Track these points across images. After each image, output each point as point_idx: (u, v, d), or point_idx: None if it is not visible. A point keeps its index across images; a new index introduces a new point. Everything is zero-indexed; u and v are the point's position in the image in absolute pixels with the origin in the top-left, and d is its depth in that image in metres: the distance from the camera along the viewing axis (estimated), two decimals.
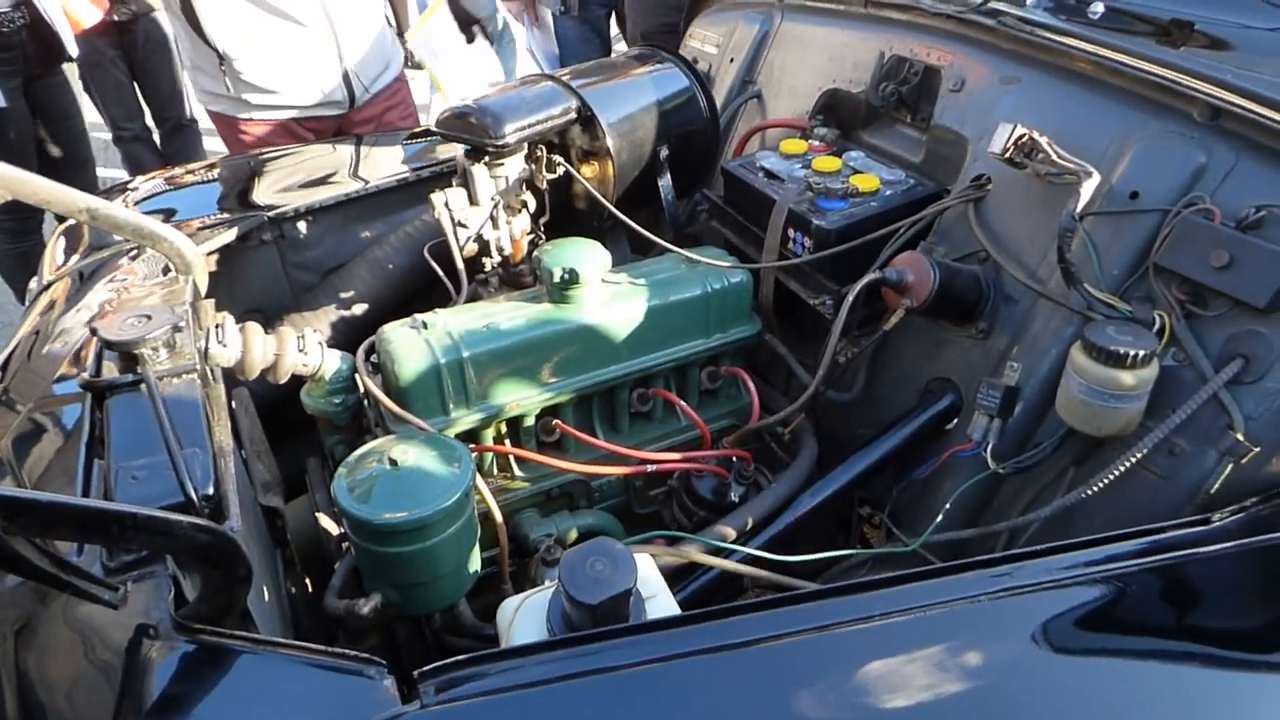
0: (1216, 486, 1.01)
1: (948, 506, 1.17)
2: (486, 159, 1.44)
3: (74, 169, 3.04)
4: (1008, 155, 1.19)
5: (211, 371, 1.11)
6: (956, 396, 1.28)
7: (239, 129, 2.27)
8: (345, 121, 2.36)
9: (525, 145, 1.47)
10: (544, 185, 1.50)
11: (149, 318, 0.97)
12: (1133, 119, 1.18)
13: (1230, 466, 1.00)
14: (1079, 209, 1.10)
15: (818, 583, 1.14)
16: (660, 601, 0.87)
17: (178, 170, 1.98)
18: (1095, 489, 1.03)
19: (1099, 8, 1.39)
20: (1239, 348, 1.01)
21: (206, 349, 1.10)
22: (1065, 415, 1.08)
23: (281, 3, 2.06)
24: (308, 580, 1.30)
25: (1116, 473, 1.02)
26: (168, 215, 1.72)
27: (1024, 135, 1.18)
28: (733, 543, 1.17)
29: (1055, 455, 1.15)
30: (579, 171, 1.49)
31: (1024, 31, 1.33)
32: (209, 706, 0.66)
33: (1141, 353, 1.00)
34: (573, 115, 1.47)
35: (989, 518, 1.23)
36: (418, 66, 2.81)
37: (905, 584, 0.77)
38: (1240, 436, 0.98)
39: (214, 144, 3.93)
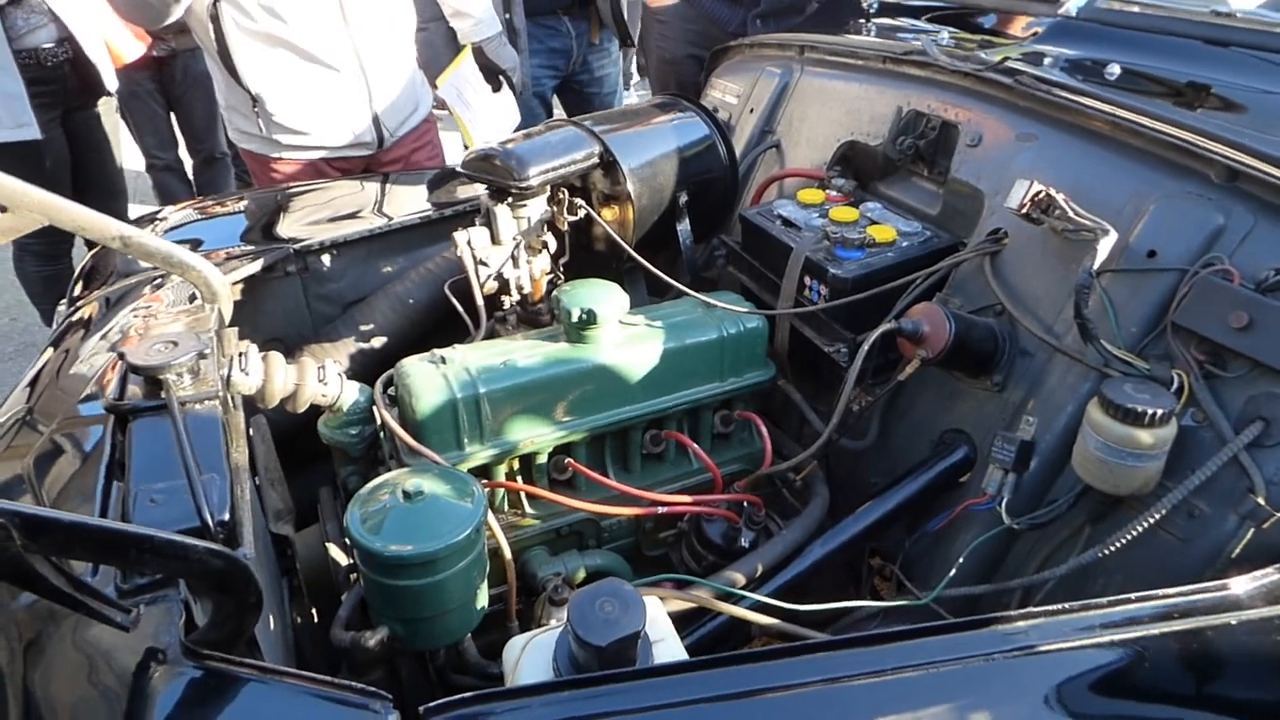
0: (1237, 551, 0.99)
1: (960, 561, 1.16)
2: (510, 200, 1.47)
3: (106, 199, 3.12)
4: (1025, 211, 1.21)
5: (232, 399, 1.12)
6: (971, 449, 1.27)
7: (270, 167, 2.31)
8: (374, 162, 2.42)
9: (548, 188, 1.50)
10: (565, 227, 1.53)
11: (175, 344, 0.99)
12: (1150, 178, 1.19)
13: (1251, 531, 0.98)
14: (1096, 266, 1.11)
15: (827, 634, 1.12)
16: (668, 646, 0.86)
17: (207, 201, 2.03)
18: (1112, 549, 1.01)
19: (1115, 69, 1.41)
20: (1259, 410, 1.01)
21: (229, 376, 1.11)
22: (1082, 472, 1.08)
23: (315, 48, 2.12)
24: (314, 610, 1.29)
25: (1134, 533, 1.00)
26: (195, 245, 1.76)
27: (1041, 191, 1.19)
28: (742, 589, 1.16)
29: (1071, 513, 1.13)
30: (600, 214, 1.52)
31: (1041, 90, 1.35)
32: None
33: (1160, 411, 0.99)
34: (595, 160, 1.50)
35: (1003, 574, 1.21)
36: (444, 106, 2.89)
37: (917, 638, 0.76)
38: (1261, 500, 0.97)
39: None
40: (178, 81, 3.57)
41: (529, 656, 0.83)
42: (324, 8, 2.10)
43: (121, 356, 0.99)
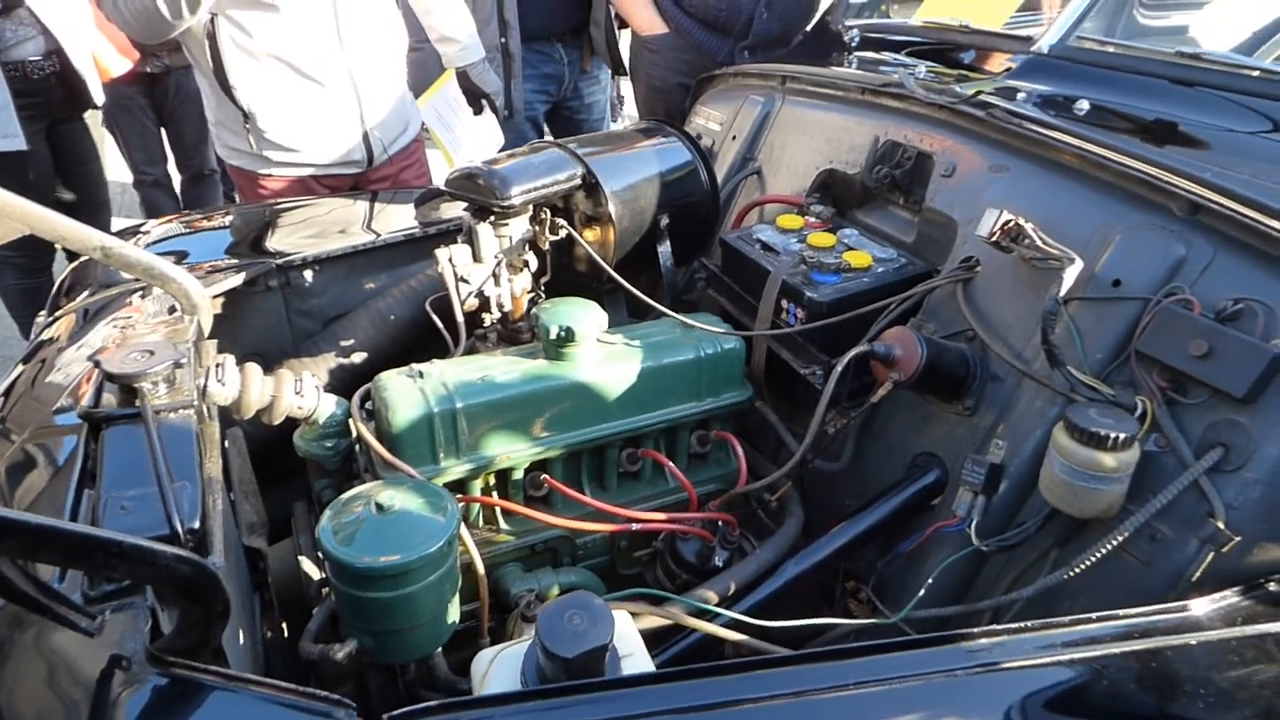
0: (1198, 574, 1.01)
1: (930, 581, 1.17)
2: (492, 218, 1.49)
3: (90, 212, 3.11)
4: (995, 239, 1.24)
5: (208, 409, 1.12)
6: (942, 472, 1.29)
7: (258, 184, 2.32)
8: (362, 180, 2.43)
9: (530, 207, 1.52)
10: (546, 246, 1.55)
11: (151, 353, 1.00)
12: (1116, 210, 1.22)
13: (1211, 554, 1.00)
14: (1062, 293, 1.14)
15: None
16: (637, 660, 0.86)
17: (192, 215, 2.03)
18: (1077, 570, 1.03)
19: (1084, 105, 1.46)
20: (1219, 436, 1.03)
21: (205, 387, 1.12)
22: (1048, 495, 1.09)
23: (308, 65, 2.14)
24: (284, 624, 1.28)
25: (1098, 555, 1.02)
26: (179, 258, 1.76)
27: (1010, 221, 1.22)
28: (715, 607, 1.16)
29: (1039, 535, 1.15)
30: (581, 235, 1.54)
31: (1013, 124, 1.39)
32: None
33: (1123, 435, 1.01)
34: (578, 181, 1.52)
35: (973, 595, 1.22)
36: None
37: (883, 654, 0.77)
38: (1221, 524, 0.99)
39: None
40: (170, 98, 3.58)
41: (497, 668, 0.84)
42: (321, 27, 2.13)
43: (97, 365, 0.99)
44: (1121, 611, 0.86)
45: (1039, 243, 1.19)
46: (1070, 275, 1.14)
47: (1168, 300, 1.09)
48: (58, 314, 1.56)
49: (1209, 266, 1.11)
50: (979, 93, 1.51)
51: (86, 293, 1.58)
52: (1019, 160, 1.38)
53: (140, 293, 1.52)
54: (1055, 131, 1.33)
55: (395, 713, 0.66)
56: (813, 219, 1.63)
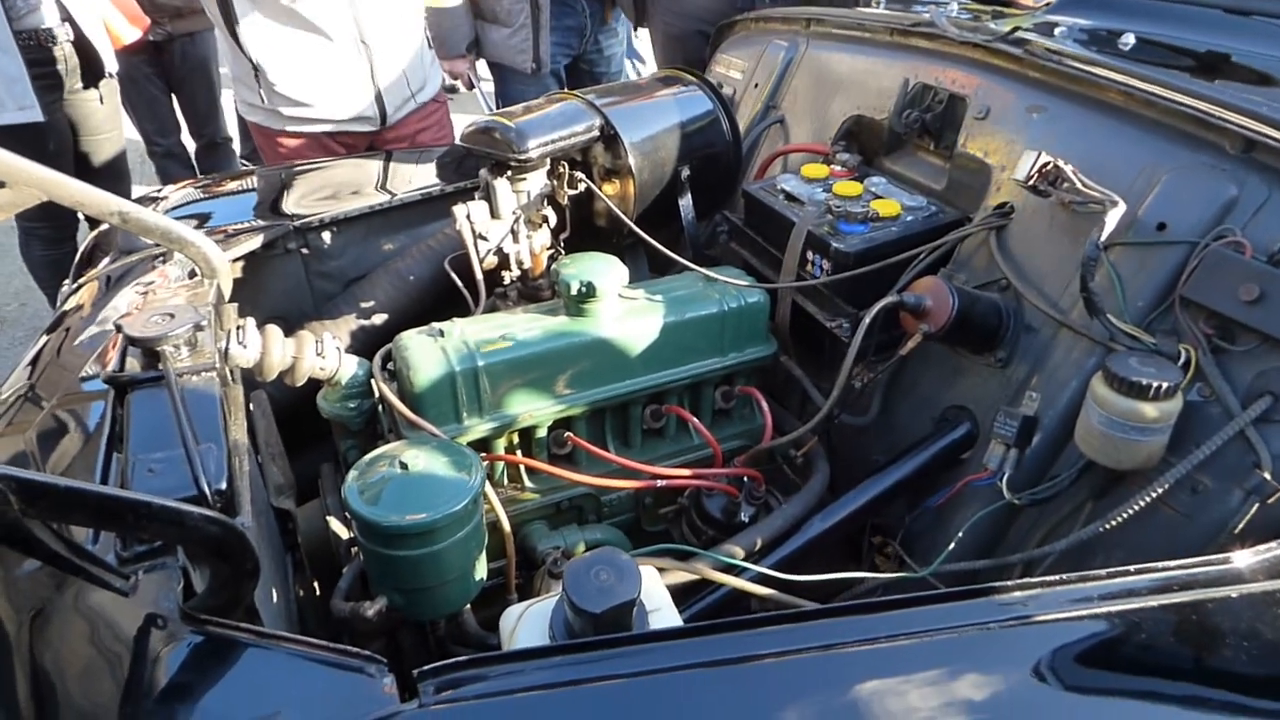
0: (1241, 526, 0.98)
1: (960, 535, 1.15)
2: (509, 173, 1.46)
3: (110, 181, 3.11)
4: (1032, 183, 1.19)
5: (231, 372, 1.12)
6: (973, 425, 1.27)
7: (275, 141, 2.33)
8: (378, 139, 2.41)
9: (548, 161, 1.49)
10: (565, 201, 1.52)
11: (172, 316, 0.99)
12: (1162, 150, 1.16)
13: (1256, 506, 0.97)
14: (1104, 238, 1.09)
15: None
16: (664, 615, 0.86)
17: (207, 180, 2.03)
18: (1113, 524, 1.01)
19: (1130, 39, 1.39)
20: (1268, 384, 0.99)
21: (227, 349, 1.12)
22: (1085, 447, 1.07)
23: (314, 16, 2.12)
24: (316, 583, 1.30)
25: (1136, 508, 1.00)
26: (199, 222, 1.76)
27: (1049, 163, 1.17)
28: (741, 563, 1.16)
29: (1073, 488, 1.12)
30: (600, 189, 1.51)
31: (1052, 61, 1.32)
32: (212, 696, 0.66)
33: (1165, 385, 0.98)
34: (596, 133, 1.48)
35: (1003, 550, 1.20)
36: (453, 90, 2.89)
37: (913, 607, 0.75)
38: (1267, 475, 0.95)
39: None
40: (177, 66, 3.56)
41: (525, 624, 0.84)
42: None
43: (119, 329, 0.99)
44: (1160, 564, 0.84)
45: (1079, 185, 1.14)
46: (1112, 219, 1.10)
47: (1217, 243, 1.05)
48: (81, 282, 1.57)
49: (1263, 207, 1.05)
50: (1015, 29, 1.44)
51: (108, 259, 1.59)
52: (1058, 100, 1.32)
53: (163, 258, 1.52)
54: (1098, 68, 1.27)
55: (427, 667, 0.66)
56: (838, 167, 1.58)
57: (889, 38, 1.65)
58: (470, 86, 3.05)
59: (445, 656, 1.15)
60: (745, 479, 1.32)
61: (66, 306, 1.50)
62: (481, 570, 1.06)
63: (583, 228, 1.58)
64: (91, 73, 2.93)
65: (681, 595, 1.11)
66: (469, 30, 2.90)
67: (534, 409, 1.26)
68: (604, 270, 1.26)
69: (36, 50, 2.71)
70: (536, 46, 2.85)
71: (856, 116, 1.64)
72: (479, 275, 1.45)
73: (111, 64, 2.94)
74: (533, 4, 2.80)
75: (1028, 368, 1.21)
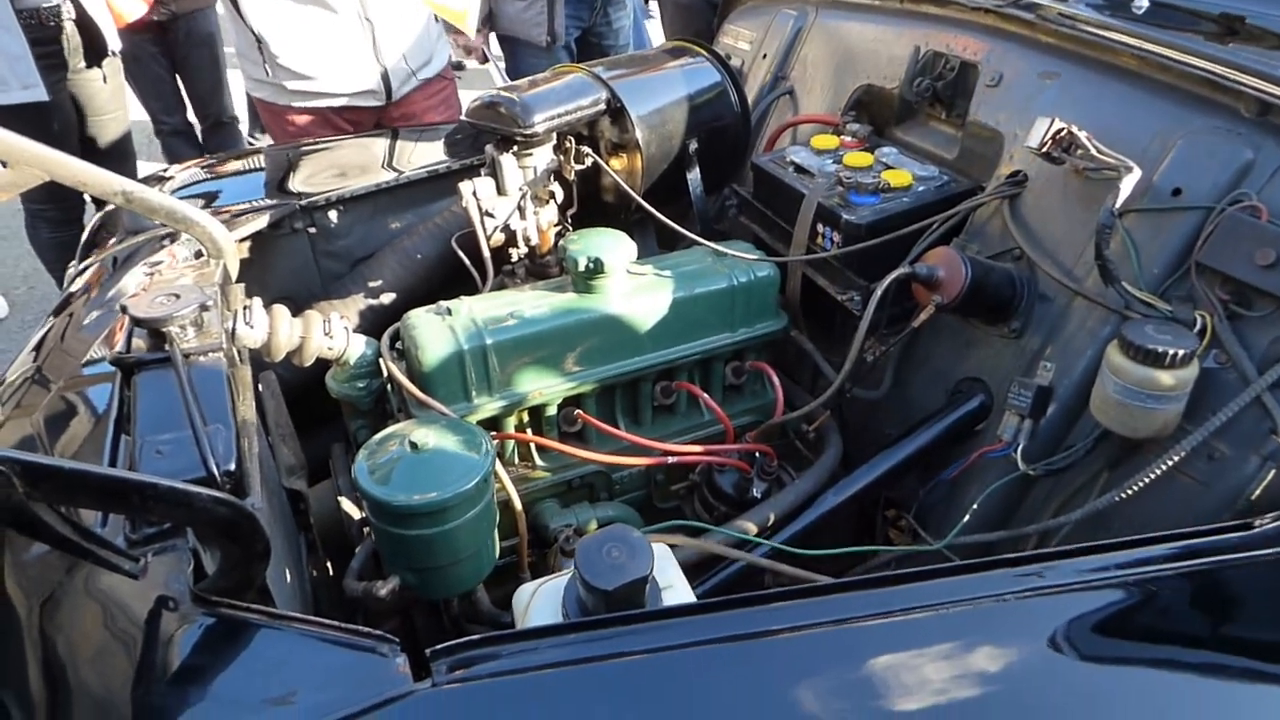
0: (1258, 493, 0.97)
1: (975, 507, 1.14)
2: (515, 149, 1.44)
3: (115, 161, 3.10)
4: (1045, 150, 1.16)
5: (239, 353, 1.12)
6: (987, 397, 1.25)
7: (282, 118, 2.32)
8: (384, 116, 2.40)
9: (554, 136, 1.47)
10: (572, 176, 1.50)
11: (177, 296, 0.99)
12: (1177, 115, 1.14)
13: (1273, 473, 0.96)
14: (1118, 205, 1.07)
15: None
16: (677, 591, 0.86)
17: (213, 159, 2.02)
18: (1129, 493, 1.00)
19: (1144, 2, 1.35)
20: None
21: (234, 329, 1.11)
22: (1100, 416, 1.05)
23: None
24: (329, 564, 1.30)
25: (1152, 476, 0.99)
26: (206, 202, 1.75)
27: (1062, 130, 1.15)
28: (754, 538, 1.15)
29: (1088, 458, 1.11)
30: (608, 163, 1.49)
31: (1065, 25, 1.29)
32: (224, 678, 0.67)
33: (1181, 352, 0.97)
34: (602, 107, 1.46)
35: (1018, 521, 1.20)
36: (460, 67, 2.87)
37: (928, 580, 0.75)
38: None
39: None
40: (180, 44, 3.53)
41: (538, 602, 0.84)
42: None
43: (125, 310, 0.98)
44: (1177, 531, 0.83)
45: (1093, 152, 1.12)
46: (1127, 185, 1.08)
47: (1233, 208, 1.03)
48: (87, 263, 1.56)
49: (1279, 170, 1.03)
50: None
51: (114, 240, 1.58)
52: (1071, 65, 1.29)
53: (170, 238, 1.51)
54: (1111, 32, 1.24)
55: (439, 646, 0.66)
56: (849, 138, 1.56)
57: (899, 5, 1.61)
58: (484, 60, 3.03)
59: (459, 634, 1.16)
60: (757, 454, 1.32)
61: (73, 288, 1.50)
62: (494, 549, 1.06)
63: (590, 203, 1.57)
64: (95, 51, 2.91)
65: (694, 572, 1.11)
66: (483, 4, 2.87)
67: (543, 387, 1.25)
68: (612, 246, 1.24)
69: (39, 29, 2.69)
70: (551, 19, 2.82)
71: (866, 86, 1.61)
72: (486, 253, 1.44)
73: (115, 42, 2.92)
74: None
75: (1042, 338, 1.20)
